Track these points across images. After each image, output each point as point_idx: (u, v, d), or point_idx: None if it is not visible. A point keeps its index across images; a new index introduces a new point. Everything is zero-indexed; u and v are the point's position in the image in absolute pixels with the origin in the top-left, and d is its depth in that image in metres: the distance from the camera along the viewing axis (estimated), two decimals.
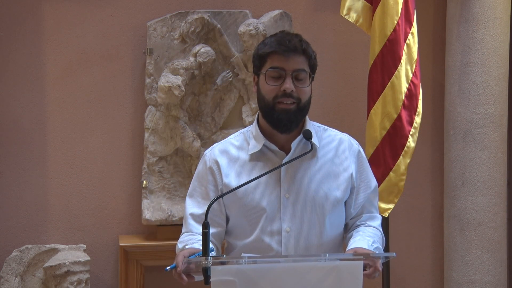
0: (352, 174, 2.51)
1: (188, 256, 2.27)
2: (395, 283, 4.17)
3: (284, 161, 2.44)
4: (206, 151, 2.59)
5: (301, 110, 2.43)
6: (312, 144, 2.42)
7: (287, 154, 2.47)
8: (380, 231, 2.56)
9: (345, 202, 2.54)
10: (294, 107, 2.41)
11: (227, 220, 2.53)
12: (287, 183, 2.46)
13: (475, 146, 3.97)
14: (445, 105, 4.12)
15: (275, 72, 2.41)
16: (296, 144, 2.46)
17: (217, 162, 2.51)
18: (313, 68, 2.46)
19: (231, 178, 2.48)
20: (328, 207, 2.47)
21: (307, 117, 2.51)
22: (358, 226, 2.55)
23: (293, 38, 2.43)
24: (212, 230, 2.44)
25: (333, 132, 2.58)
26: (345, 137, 2.58)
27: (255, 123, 2.53)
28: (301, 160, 2.44)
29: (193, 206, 2.53)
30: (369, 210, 2.58)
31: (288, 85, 2.39)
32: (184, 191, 3.94)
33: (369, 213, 2.57)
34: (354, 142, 2.59)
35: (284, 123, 2.42)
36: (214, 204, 2.41)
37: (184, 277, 2.25)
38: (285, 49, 2.40)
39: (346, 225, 2.58)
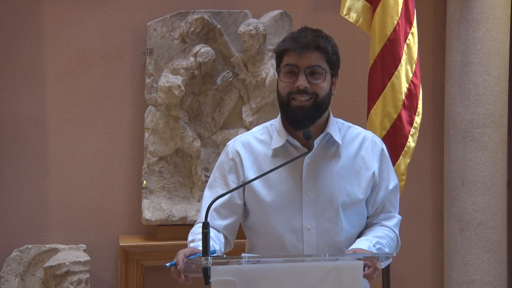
0: (374, 173, 2.50)
1: (189, 256, 2.27)
2: (395, 283, 4.17)
3: (306, 159, 2.43)
4: (229, 142, 2.58)
5: (318, 107, 2.42)
6: (312, 144, 2.41)
7: (310, 150, 2.44)
8: (394, 231, 2.54)
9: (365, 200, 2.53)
10: (310, 103, 2.40)
11: (247, 213, 2.53)
12: (308, 181, 2.45)
13: (475, 146, 3.97)
14: (445, 105, 4.12)
15: (289, 68, 2.42)
16: (319, 141, 2.46)
17: (239, 154, 2.51)
18: (331, 63, 2.45)
19: (253, 173, 2.48)
20: (349, 205, 2.46)
21: (330, 114, 2.51)
22: (373, 225, 2.54)
23: (308, 34, 2.43)
24: (228, 221, 2.48)
25: (357, 130, 2.57)
26: (369, 135, 2.57)
27: (279, 117, 2.53)
28: (323, 158, 2.45)
29: (212, 197, 2.53)
30: (388, 210, 2.56)
31: (301, 81, 2.39)
32: (184, 191, 3.94)
33: (387, 212, 2.55)
34: (378, 140, 2.57)
35: (298, 120, 2.42)
36: (235, 192, 2.45)
37: (182, 276, 2.25)
38: (297, 46, 2.40)
39: (364, 224, 2.57)
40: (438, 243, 4.32)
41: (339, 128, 2.53)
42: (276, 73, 2.52)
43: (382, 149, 2.56)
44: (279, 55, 2.46)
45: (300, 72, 2.41)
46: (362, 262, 2.23)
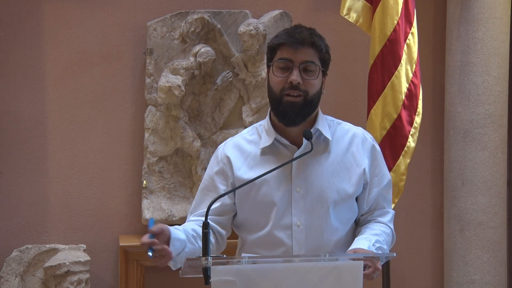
0: (364, 169, 2.50)
1: (148, 235, 2.24)
2: (395, 283, 4.17)
3: (295, 155, 2.44)
4: (220, 145, 2.60)
5: (309, 103, 2.43)
6: (312, 144, 2.42)
7: (298, 148, 2.46)
8: (390, 227, 2.55)
9: (357, 197, 2.53)
10: (300, 100, 2.41)
11: (236, 213, 2.54)
12: (298, 177, 2.46)
13: (475, 146, 3.97)
14: (445, 105, 4.12)
15: (283, 63, 2.42)
16: None
17: (227, 157, 2.52)
18: (324, 61, 2.46)
19: (243, 171, 2.49)
20: (339, 202, 2.46)
21: (319, 111, 2.51)
22: (368, 222, 2.54)
23: (303, 30, 2.44)
24: (214, 217, 2.48)
25: (347, 126, 2.58)
26: (359, 131, 2.57)
27: (267, 117, 2.54)
28: (313, 154, 2.44)
29: (199, 199, 2.56)
30: (382, 206, 2.56)
31: (295, 77, 2.40)
32: (184, 191, 3.94)
33: (381, 208, 2.56)
34: (368, 136, 2.57)
35: (289, 116, 2.42)
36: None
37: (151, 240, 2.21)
38: (293, 40, 2.41)
39: (358, 221, 2.57)
40: (438, 243, 4.32)
41: (329, 125, 2.54)
42: None
43: (373, 145, 2.56)
44: (273, 49, 2.46)
45: (294, 67, 2.41)
46: (362, 262, 2.24)
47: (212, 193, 2.51)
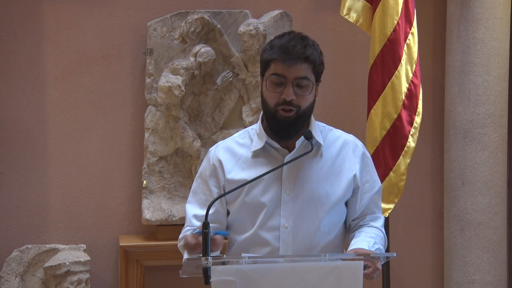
0: (355, 175, 2.52)
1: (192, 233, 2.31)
2: (395, 283, 4.17)
3: (286, 159, 2.45)
4: (211, 148, 2.61)
5: (301, 117, 2.44)
6: (312, 144, 2.42)
7: (289, 151, 2.48)
8: (382, 231, 2.57)
9: (348, 202, 2.55)
10: (293, 114, 2.42)
11: (227, 213, 2.56)
12: (288, 180, 2.47)
13: (475, 146, 3.97)
14: (445, 105, 4.12)
15: (276, 79, 2.42)
16: (300, 142, 2.47)
17: (219, 160, 2.54)
18: (318, 73, 2.46)
19: (235, 173, 2.50)
20: (328, 205, 2.48)
21: (312, 117, 2.52)
22: (361, 226, 2.56)
23: (297, 44, 2.41)
24: (214, 225, 2.48)
25: (338, 133, 2.59)
26: (350, 138, 2.59)
27: (259, 121, 2.55)
28: (304, 158, 2.45)
29: (195, 203, 2.57)
30: (373, 211, 2.58)
31: (288, 93, 2.40)
32: (184, 191, 3.94)
33: (372, 213, 2.58)
34: (359, 143, 2.59)
35: (283, 131, 2.45)
36: (217, 202, 2.43)
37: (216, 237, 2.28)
38: (286, 57, 2.39)
39: (349, 226, 2.59)
40: (438, 243, 4.32)
41: (320, 130, 2.55)
42: None
43: (364, 152, 2.58)
44: (266, 62, 2.45)
45: (288, 83, 2.41)
46: (362, 262, 2.24)
47: (207, 196, 2.53)
